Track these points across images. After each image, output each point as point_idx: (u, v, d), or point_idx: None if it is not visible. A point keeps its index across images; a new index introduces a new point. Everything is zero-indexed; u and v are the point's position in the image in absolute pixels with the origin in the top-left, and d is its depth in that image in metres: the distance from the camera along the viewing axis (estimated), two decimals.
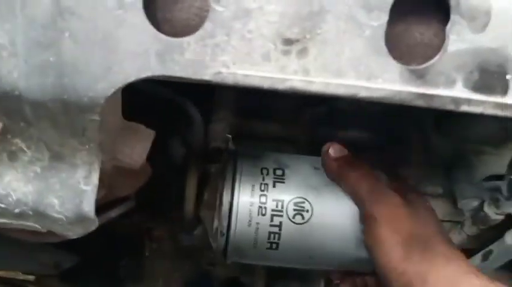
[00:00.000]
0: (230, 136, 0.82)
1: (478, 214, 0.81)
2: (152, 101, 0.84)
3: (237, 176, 0.72)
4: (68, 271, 1.02)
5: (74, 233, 0.51)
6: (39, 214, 0.48)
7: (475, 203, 0.85)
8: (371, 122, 0.92)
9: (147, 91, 0.76)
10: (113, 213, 0.65)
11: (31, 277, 1.24)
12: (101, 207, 0.63)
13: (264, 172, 0.73)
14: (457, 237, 0.91)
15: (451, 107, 0.42)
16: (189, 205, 0.80)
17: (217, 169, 0.82)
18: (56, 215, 0.48)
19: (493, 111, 0.42)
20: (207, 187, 0.82)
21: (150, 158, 0.70)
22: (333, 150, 0.66)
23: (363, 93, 0.40)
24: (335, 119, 0.93)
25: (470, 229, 0.86)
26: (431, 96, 0.41)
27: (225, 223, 0.70)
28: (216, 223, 0.73)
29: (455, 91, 0.41)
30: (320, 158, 0.80)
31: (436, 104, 0.42)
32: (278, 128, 0.94)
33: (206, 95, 0.86)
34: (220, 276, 1.23)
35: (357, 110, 0.90)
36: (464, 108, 0.42)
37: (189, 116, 0.79)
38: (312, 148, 0.95)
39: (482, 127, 0.90)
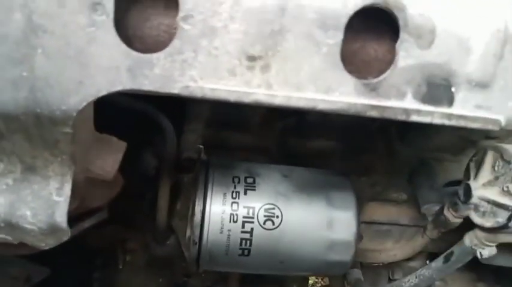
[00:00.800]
0: (202, 147, 0.84)
1: (439, 218, 0.86)
2: (124, 113, 0.85)
3: (209, 185, 0.74)
4: (40, 285, 1.01)
5: (47, 244, 0.51)
6: (11, 226, 0.49)
7: (436, 208, 0.90)
8: (338, 132, 0.96)
9: (118, 104, 0.77)
10: (86, 224, 0.65)
11: None
12: (73, 218, 0.64)
13: (236, 180, 0.76)
14: (420, 241, 0.96)
15: (402, 117, 0.45)
16: (162, 215, 0.81)
17: (190, 179, 0.84)
18: (28, 226, 0.48)
19: (441, 121, 0.46)
20: (179, 197, 0.84)
21: (122, 169, 0.72)
22: None
23: (321, 106, 0.44)
24: (304, 129, 0.96)
25: (432, 233, 0.90)
26: (384, 108, 0.45)
27: (197, 232, 0.72)
28: (188, 232, 0.75)
29: (405, 103, 0.45)
30: (289, 167, 0.83)
31: (388, 115, 0.45)
32: (249, 139, 0.97)
33: (178, 107, 0.88)
34: (195, 286, 1.23)
35: (324, 121, 0.93)
36: (414, 118, 0.46)
37: (161, 128, 0.81)
38: (282, 158, 0.99)
39: (442, 136, 0.96)
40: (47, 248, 0.52)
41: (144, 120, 0.82)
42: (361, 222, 0.99)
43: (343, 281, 1.17)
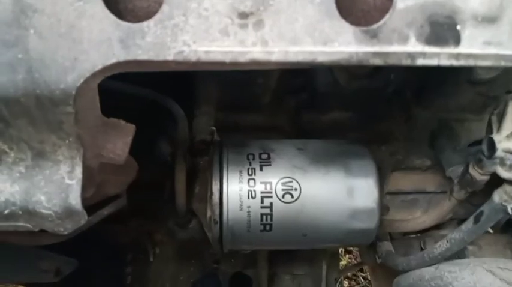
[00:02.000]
0: (214, 128, 0.84)
1: (465, 178, 0.83)
2: (134, 102, 0.86)
3: (224, 165, 0.74)
4: (74, 282, 1.03)
5: (65, 228, 0.52)
6: (28, 212, 0.50)
7: (461, 169, 0.87)
8: (352, 102, 0.94)
9: (129, 94, 0.78)
10: (105, 211, 0.66)
11: None
12: (93, 206, 0.65)
13: (250, 157, 0.75)
14: (448, 204, 0.93)
15: (407, 62, 0.44)
16: (181, 199, 0.81)
17: (205, 162, 0.84)
18: (44, 211, 0.49)
19: (448, 62, 0.44)
20: (196, 180, 0.84)
21: (138, 159, 0.72)
22: None
23: (320, 58, 0.42)
24: (317, 103, 0.95)
25: (459, 194, 0.87)
26: (387, 54, 0.43)
27: (217, 211, 0.72)
28: (208, 213, 0.75)
29: (409, 46, 0.43)
30: (303, 140, 0.82)
31: (393, 61, 0.43)
32: (262, 118, 0.96)
33: (187, 91, 0.88)
34: (225, 273, 1.24)
35: (336, 91, 0.91)
36: (420, 62, 0.44)
37: (172, 114, 0.81)
38: (297, 134, 0.97)
39: (461, 95, 0.92)
40: (66, 233, 0.53)
41: (155, 108, 0.82)
42: (385, 193, 0.98)
43: (374, 256, 1.15)
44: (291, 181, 0.72)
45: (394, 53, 0.43)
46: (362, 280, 1.96)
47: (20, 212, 0.50)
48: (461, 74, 0.87)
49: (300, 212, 0.72)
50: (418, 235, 1.07)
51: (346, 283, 1.94)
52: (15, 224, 0.52)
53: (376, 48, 0.43)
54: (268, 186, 0.72)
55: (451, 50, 0.44)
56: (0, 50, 0.40)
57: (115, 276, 1.24)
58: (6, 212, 0.49)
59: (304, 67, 0.43)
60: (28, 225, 0.52)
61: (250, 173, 0.73)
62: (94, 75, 0.41)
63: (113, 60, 0.41)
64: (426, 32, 0.43)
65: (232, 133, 0.93)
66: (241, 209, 0.71)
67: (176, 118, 0.80)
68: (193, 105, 0.87)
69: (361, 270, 1.95)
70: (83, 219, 0.52)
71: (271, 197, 0.71)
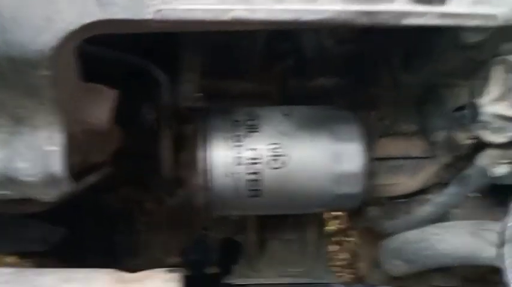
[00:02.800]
0: (201, 95, 0.83)
1: (449, 142, 0.83)
2: (117, 69, 0.84)
3: (209, 132, 0.73)
4: (64, 251, 1.04)
5: (50, 196, 0.52)
6: (10, 180, 0.49)
7: (445, 133, 0.87)
8: (339, 67, 0.93)
9: (110, 58, 0.76)
10: (92, 178, 0.65)
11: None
12: (79, 174, 0.64)
13: (236, 124, 0.75)
14: (432, 168, 0.94)
15: (394, 21, 0.43)
16: (167, 166, 0.81)
17: (191, 129, 0.83)
18: (26, 178, 0.48)
19: (435, 21, 0.43)
20: (183, 147, 0.84)
21: (123, 126, 0.71)
22: None
23: (306, 17, 0.41)
24: (304, 69, 0.93)
25: (444, 159, 0.88)
26: (374, 13, 0.42)
27: (203, 178, 0.72)
28: (195, 180, 0.75)
29: (396, 5, 0.42)
30: (289, 107, 0.81)
31: (379, 20, 0.42)
32: (248, 85, 0.94)
33: (172, 57, 0.86)
34: (215, 239, 1.25)
35: (324, 56, 0.90)
36: (407, 21, 0.43)
37: (155, 80, 0.79)
38: (284, 101, 0.97)
39: (449, 59, 0.91)
40: (52, 200, 0.52)
41: (139, 75, 0.80)
42: (373, 158, 0.98)
43: (362, 221, 1.17)
44: (278, 147, 0.72)
45: (381, 12, 0.42)
46: (349, 244, 2.00)
47: (2, 180, 0.49)
48: (449, 38, 0.86)
49: (287, 178, 0.72)
50: (405, 199, 1.09)
51: (332, 247, 1.98)
52: None
53: (363, 7, 0.42)
54: (255, 152, 0.72)
55: (438, 9, 0.43)
56: None
57: (106, 244, 1.25)
58: None
59: (288, 27, 0.42)
60: (11, 193, 0.51)
61: (236, 140, 0.73)
62: (70, 35, 0.40)
63: (89, 20, 0.39)
64: None
65: (218, 100, 0.91)
66: (227, 175, 0.71)
67: (158, 83, 0.79)
68: (178, 71, 0.85)
69: (348, 234, 1.99)
70: (68, 187, 0.51)
71: (258, 163, 0.71)
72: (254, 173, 0.71)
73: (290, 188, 0.73)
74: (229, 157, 0.71)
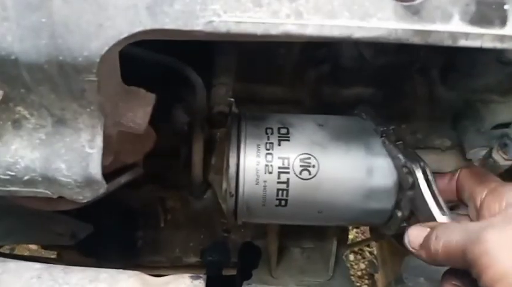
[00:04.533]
0: (233, 100, 0.82)
1: (487, 162, 0.81)
2: (153, 70, 0.84)
3: (242, 138, 0.73)
4: (86, 244, 1.05)
5: (84, 197, 0.52)
6: (48, 180, 0.49)
7: (484, 152, 0.84)
8: (375, 77, 0.91)
9: (147, 60, 0.76)
10: (122, 179, 0.66)
11: (52, 254, 1.28)
12: (110, 174, 0.65)
13: (269, 131, 0.74)
14: None
15: (448, 42, 0.41)
16: (197, 170, 0.81)
17: (222, 133, 0.83)
18: (64, 179, 0.49)
19: (492, 44, 0.41)
20: (213, 151, 0.83)
21: (155, 127, 0.71)
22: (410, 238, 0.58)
23: (358, 34, 0.40)
24: (339, 77, 0.92)
25: None
26: (428, 33, 0.41)
27: (233, 184, 0.71)
28: (224, 185, 0.74)
29: (452, 26, 0.41)
30: (324, 116, 0.80)
31: (434, 41, 0.41)
32: (281, 91, 0.93)
33: (207, 60, 0.86)
34: (235, 242, 1.25)
35: (360, 66, 0.88)
36: (462, 43, 0.41)
37: (190, 83, 0.79)
38: (316, 108, 0.95)
39: (489, 75, 0.89)
40: (85, 201, 0.53)
41: (173, 76, 0.80)
42: None
43: (383, 233, 1.15)
44: (309, 158, 0.71)
45: (436, 32, 0.41)
46: (368, 254, 1.98)
47: (40, 179, 0.49)
48: (492, 53, 0.83)
49: (316, 190, 0.71)
50: None
51: (351, 256, 1.96)
52: (34, 190, 0.51)
53: (417, 26, 0.40)
54: (285, 161, 0.70)
55: (496, 31, 0.41)
56: (24, 14, 0.38)
57: (126, 240, 1.26)
58: (26, 178, 0.49)
59: (338, 42, 0.41)
60: (47, 192, 0.51)
61: (268, 147, 0.72)
62: (119, 43, 0.40)
63: (139, 28, 0.39)
64: (471, 11, 0.41)
65: (250, 105, 0.91)
66: (257, 183, 0.70)
67: (194, 87, 0.79)
68: (212, 74, 0.85)
69: (368, 245, 1.96)
70: (102, 188, 0.52)
71: (288, 173, 0.70)
72: (283, 182, 0.71)
73: (318, 200, 0.72)
74: (261, 165, 0.70)
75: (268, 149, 0.71)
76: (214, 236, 1.29)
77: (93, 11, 0.39)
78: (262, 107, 0.92)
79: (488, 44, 0.41)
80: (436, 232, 0.51)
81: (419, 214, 0.64)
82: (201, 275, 0.64)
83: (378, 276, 1.75)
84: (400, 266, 1.04)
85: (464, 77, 0.90)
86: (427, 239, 0.52)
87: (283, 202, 0.71)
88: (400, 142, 0.72)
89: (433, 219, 0.57)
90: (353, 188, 0.71)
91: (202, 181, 0.83)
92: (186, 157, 0.87)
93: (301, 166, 0.70)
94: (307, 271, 1.12)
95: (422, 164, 0.66)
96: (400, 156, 0.69)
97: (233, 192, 0.71)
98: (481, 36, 0.41)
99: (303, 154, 0.71)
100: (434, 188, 0.62)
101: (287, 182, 0.70)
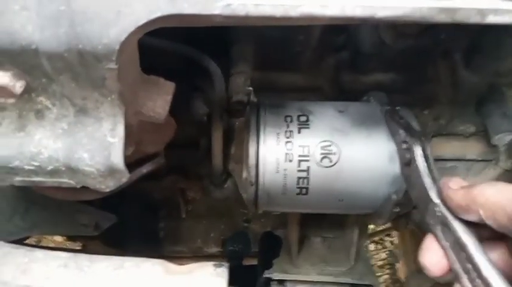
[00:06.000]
0: (251, 89, 0.81)
1: None
2: (172, 61, 0.84)
3: (261, 127, 0.72)
4: (111, 235, 1.07)
5: (107, 186, 0.52)
6: (71, 169, 0.50)
7: (510, 137, 0.82)
8: (396, 62, 0.89)
9: (166, 50, 0.76)
10: (144, 169, 0.66)
11: (77, 246, 1.31)
12: (131, 164, 0.65)
13: (288, 119, 0.73)
14: (492, 173, 0.89)
15: (476, 19, 0.39)
16: (217, 160, 0.81)
17: (241, 122, 0.82)
18: (87, 168, 0.49)
19: None
20: (233, 141, 0.83)
21: (174, 117, 0.71)
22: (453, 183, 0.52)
23: (381, 13, 0.39)
24: (359, 63, 0.90)
25: (506, 163, 0.83)
26: (454, 10, 0.39)
27: (253, 173, 0.71)
28: (244, 174, 0.74)
29: (479, 1, 0.39)
30: (344, 103, 0.78)
31: (460, 18, 0.39)
32: (300, 78, 0.92)
33: (224, 50, 0.85)
34: (256, 231, 1.26)
35: (380, 51, 0.86)
36: (491, 19, 0.39)
37: (209, 72, 0.79)
38: (336, 95, 0.94)
39: None
40: (107, 190, 0.53)
41: (192, 66, 0.80)
42: None
43: (406, 222, 1.13)
44: (330, 145, 0.70)
45: (463, 9, 0.39)
46: (389, 244, 1.96)
47: (63, 169, 0.50)
48: None
49: (337, 177, 0.70)
50: None
51: (372, 246, 1.94)
52: (58, 180, 0.52)
53: (443, 3, 0.39)
54: (306, 149, 0.70)
55: None
56: (43, 3, 0.38)
57: (149, 230, 1.28)
58: (49, 168, 0.50)
59: (361, 23, 0.40)
60: (71, 181, 0.52)
61: (287, 135, 0.71)
62: (138, 29, 0.39)
63: (158, 14, 0.38)
64: None
65: (269, 93, 0.90)
66: (277, 171, 0.70)
67: (213, 77, 0.78)
68: (230, 64, 0.85)
69: (388, 235, 1.94)
70: (125, 177, 0.52)
71: (308, 161, 0.69)
72: (304, 170, 0.70)
73: (339, 188, 0.71)
74: (281, 153, 0.69)
75: (288, 138, 0.71)
76: (235, 226, 1.30)
77: None
78: (281, 95, 0.91)
79: None
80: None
81: (413, 192, 0.61)
82: (223, 263, 0.64)
83: (399, 266, 1.73)
84: None
85: (489, 60, 0.87)
86: (471, 188, 0.46)
87: (304, 190, 0.70)
88: (404, 120, 0.70)
89: (427, 198, 0.54)
90: (375, 175, 0.70)
91: (223, 171, 0.83)
92: (205, 147, 0.86)
93: (321, 153, 0.69)
94: (328, 260, 1.11)
95: (422, 140, 0.64)
96: (401, 131, 0.68)
97: (253, 181, 0.71)
98: (510, 12, 0.39)
99: (323, 141, 0.70)
100: (432, 166, 0.60)
101: (307, 170, 0.69)
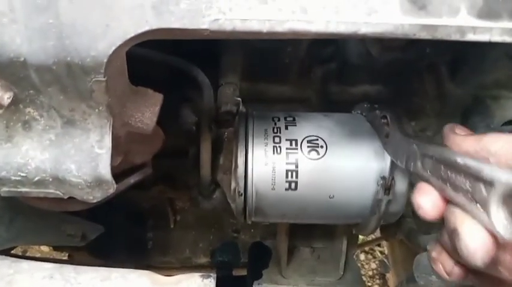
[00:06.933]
0: (240, 99, 0.82)
1: None
2: (160, 71, 0.84)
3: (249, 137, 0.72)
4: (97, 245, 1.06)
5: (94, 197, 0.52)
6: (58, 180, 0.50)
7: None
8: (383, 75, 0.90)
9: (154, 61, 0.76)
10: (132, 179, 0.66)
11: (63, 256, 1.30)
12: (119, 175, 0.65)
13: (275, 119, 0.74)
14: None
15: (456, 36, 0.41)
16: (205, 170, 0.81)
17: (230, 133, 0.83)
18: (74, 179, 0.49)
19: (501, 38, 0.41)
20: (221, 151, 0.83)
21: (162, 126, 0.71)
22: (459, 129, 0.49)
23: (364, 30, 0.40)
24: (346, 75, 0.91)
25: None
26: (435, 27, 0.40)
27: (241, 183, 0.71)
28: (233, 185, 0.74)
29: (459, 20, 0.40)
30: (329, 112, 0.79)
31: (441, 35, 0.40)
32: (288, 89, 0.93)
33: (213, 60, 0.86)
34: (245, 242, 1.26)
35: (368, 63, 0.88)
36: (470, 37, 0.41)
37: (197, 83, 0.79)
38: (323, 107, 0.95)
39: (500, 71, 0.88)
40: (95, 201, 0.53)
41: (180, 76, 0.81)
42: None
43: (395, 232, 1.14)
44: (317, 139, 0.70)
45: (443, 27, 0.40)
46: (379, 254, 1.96)
47: (50, 180, 0.50)
48: (501, 49, 0.82)
49: (326, 170, 0.69)
50: None
51: (362, 256, 1.95)
52: (45, 191, 0.52)
53: (424, 21, 0.40)
54: (293, 143, 0.70)
55: (505, 24, 0.41)
56: (32, 15, 0.38)
57: (136, 240, 1.27)
58: (36, 179, 0.50)
59: (344, 38, 0.41)
60: (58, 192, 0.52)
61: (275, 131, 0.72)
62: (126, 43, 0.40)
63: (146, 28, 0.39)
64: (479, 5, 0.40)
65: (257, 104, 0.91)
66: (266, 164, 0.70)
67: (201, 87, 0.79)
68: (219, 74, 0.85)
69: (379, 245, 1.95)
70: (112, 188, 0.52)
71: (296, 153, 0.69)
72: (292, 163, 0.69)
73: (328, 182, 0.69)
74: (269, 146, 0.70)
75: (276, 133, 0.71)
76: (224, 237, 1.30)
77: (99, 12, 0.39)
78: (269, 105, 0.92)
79: (497, 38, 0.41)
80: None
81: (396, 156, 0.61)
82: (211, 274, 0.64)
83: (389, 276, 1.74)
84: (411, 265, 1.04)
85: (473, 73, 0.89)
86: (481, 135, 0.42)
87: (293, 185, 0.69)
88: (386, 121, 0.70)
89: (409, 148, 0.53)
90: (362, 169, 0.69)
91: (211, 181, 0.83)
92: (194, 157, 0.87)
93: (309, 146, 0.70)
94: (317, 271, 1.11)
95: (397, 114, 0.67)
96: (378, 113, 0.70)
97: (242, 191, 0.71)
98: (489, 30, 0.41)
99: (310, 136, 0.71)
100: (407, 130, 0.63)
101: (296, 163, 0.69)
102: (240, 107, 0.81)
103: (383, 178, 0.69)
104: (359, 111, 0.81)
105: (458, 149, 0.43)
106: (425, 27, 0.40)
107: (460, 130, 0.47)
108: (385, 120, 0.68)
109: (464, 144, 0.43)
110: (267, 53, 0.86)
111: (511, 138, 0.40)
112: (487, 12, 0.40)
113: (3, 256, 0.57)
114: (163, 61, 0.76)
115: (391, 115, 0.68)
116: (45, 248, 1.69)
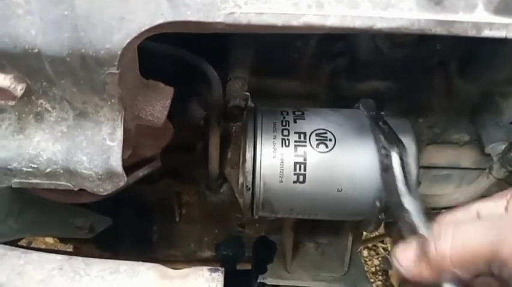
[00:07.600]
0: (248, 94, 0.82)
1: (506, 156, 0.79)
2: (170, 65, 0.84)
3: (258, 129, 0.72)
4: (104, 238, 1.07)
5: (104, 189, 0.53)
6: (70, 172, 0.50)
7: (503, 146, 0.83)
8: (392, 70, 0.90)
9: (164, 54, 0.76)
10: (141, 172, 0.66)
11: (68, 248, 1.31)
12: (128, 168, 0.65)
13: (284, 113, 0.74)
14: (485, 182, 0.90)
15: (472, 32, 0.40)
16: (214, 164, 0.81)
17: (238, 127, 0.83)
18: (85, 171, 0.49)
19: None
20: (229, 145, 0.83)
21: (172, 120, 0.71)
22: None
23: (379, 24, 0.39)
24: (355, 71, 0.91)
25: (498, 173, 0.84)
26: (451, 23, 0.40)
27: (249, 178, 0.71)
28: (241, 179, 0.74)
29: (475, 16, 0.40)
30: (337, 108, 0.79)
31: (457, 31, 0.40)
32: (297, 85, 0.93)
33: (222, 54, 0.85)
34: (250, 236, 1.26)
35: (377, 59, 0.87)
36: (487, 33, 0.40)
37: (206, 77, 0.79)
38: (332, 103, 0.94)
39: (510, 68, 0.87)
40: (105, 193, 0.53)
41: (189, 70, 0.81)
42: (419, 166, 0.94)
43: (398, 229, 1.14)
44: (326, 133, 0.70)
45: (459, 23, 0.40)
46: (382, 251, 1.96)
47: (61, 171, 0.50)
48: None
49: (334, 163, 0.69)
50: (444, 211, 1.05)
51: (365, 252, 1.95)
52: (56, 183, 0.52)
53: (440, 16, 0.39)
54: (302, 135, 0.70)
55: None
56: (47, 7, 0.38)
57: (142, 233, 1.27)
58: (48, 170, 0.50)
59: (360, 33, 0.41)
60: (69, 184, 0.52)
61: (284, 124, 0.71)
62: (140, 35, 0.40)
63: (161, 20, 0.39)
64: (496, 1, 0.40)
65: (266, 99, 0.90)
66: (274, 156, 0.69)
67: (211, 81, 0.79)
68: (227, 68, 0.85)
69: (382, 241, 1.95)
70: (123, 181, 0.52)
71: (305, 146, 0.69)
72: (300, 155, 0.69)
73: (337, 175, 0.68)
74: (277, 138, 0.69)
75: (284, 126, 0.71)
76: (229, 231, 1.30)
77: (114, 4, 0.39)
78: (278, 101, 0.92)
79: None
80: (440, 232, 0.40)
81: (389, 198, 0.62)
82: (219, 268, 0.64)
83: (392, 272, 1.74)
84: None
85: (483, 70, 0.88)
86: (425, 245, 0.41)
87: (301, 177, 0.69)
88: (386, 126, 0.70)
89: (401, 205, 0.53)
90: (371, 162, 0.69)
91: (219, 175, 0.83)
92: (202, 151, 0.87)
93: (317, 139, 0.69)
94: (322, 266, 1.11)
95: (400, 147, 0.64)
96: (381, 137, 0.68)
97: (250, 185, 0.71)
98: (505, 26, 0.40)
99: (318, 129, 0.70)
100: (408, 175, 0.61)
101: (304, 155, 0.69)
102: (249, 101, 0.81)
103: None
104: (361, 107, 0.80)
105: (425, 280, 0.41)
106: (441, 22, 0.40)
107: (403, 255, 0.44)
108: (385, 151, 0.66)
109: (423, 272, 0.41)
110: (276, 48, 0.86)
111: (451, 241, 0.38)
112: (504, 8, 0.40)
113: (14, 247, 0.57)
114: (172, 55, 0.76)
115: (395, 145, 0.65)
116: (49, 240, 1.70)
